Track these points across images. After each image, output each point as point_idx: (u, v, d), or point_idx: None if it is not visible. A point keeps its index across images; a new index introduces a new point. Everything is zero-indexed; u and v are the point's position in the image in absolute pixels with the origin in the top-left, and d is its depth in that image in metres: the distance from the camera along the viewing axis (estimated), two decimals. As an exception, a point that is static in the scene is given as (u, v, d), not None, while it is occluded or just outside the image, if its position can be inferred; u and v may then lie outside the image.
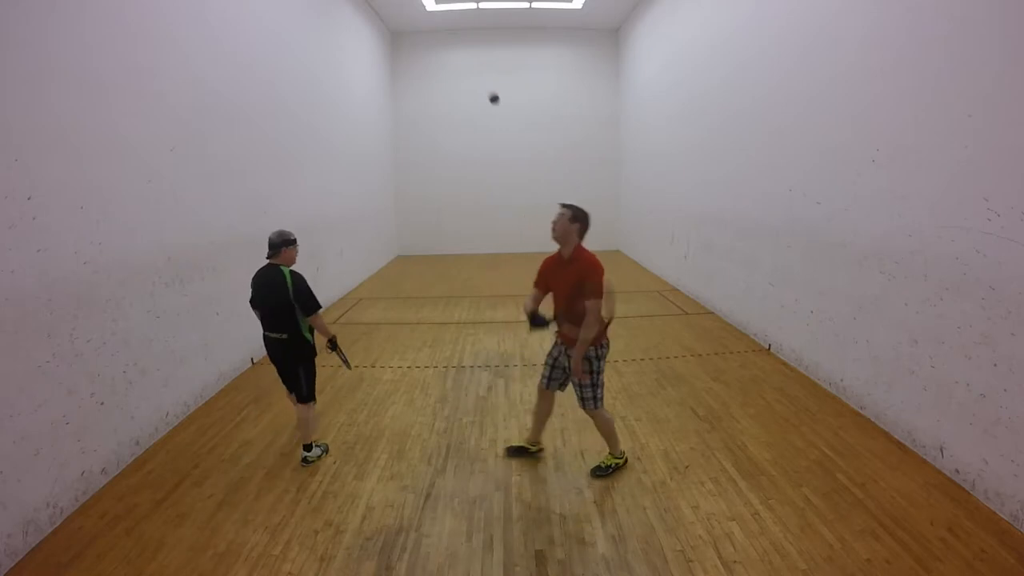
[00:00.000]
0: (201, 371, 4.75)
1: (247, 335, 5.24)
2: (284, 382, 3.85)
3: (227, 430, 4.25)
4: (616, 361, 5.49)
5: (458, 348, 6.20)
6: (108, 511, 3.23)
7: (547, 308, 3.48)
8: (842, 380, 4.58)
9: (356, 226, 10.10)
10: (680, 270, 9.12)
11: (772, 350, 5.79)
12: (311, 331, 3.71)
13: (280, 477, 3.58)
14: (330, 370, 5.22)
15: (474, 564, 2.77)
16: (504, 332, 6.80)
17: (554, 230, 3.30)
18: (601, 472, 3.52)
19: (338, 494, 3.38)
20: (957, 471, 3.36)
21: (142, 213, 4.02)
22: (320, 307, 3.67)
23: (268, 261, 3.65)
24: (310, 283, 3.66)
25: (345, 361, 3.93)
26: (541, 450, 3.81)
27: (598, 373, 3.36)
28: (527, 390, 4.95)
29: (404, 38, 13.06)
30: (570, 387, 3.54)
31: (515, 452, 3.80)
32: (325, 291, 3.74)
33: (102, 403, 3.54)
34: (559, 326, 3.46)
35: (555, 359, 3.53)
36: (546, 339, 6.41)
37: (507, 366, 5.59)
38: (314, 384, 3.76)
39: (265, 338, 3.72)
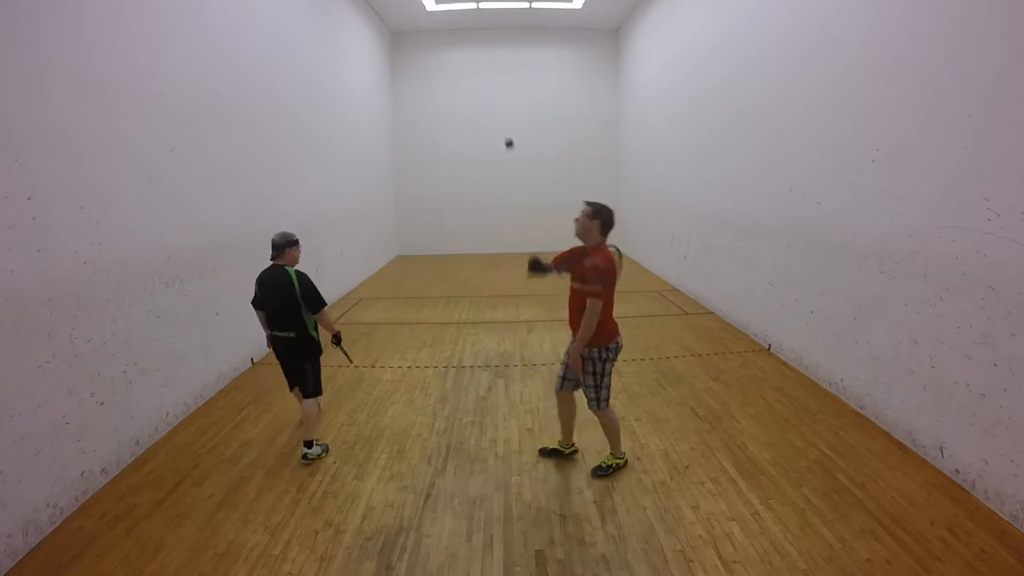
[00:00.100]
0: (201, 371, 4.75)
1: (247, 335, 5.25)
2: (289, 378, 4.00)
3: (227, 430, 4.25)
4: (616, 361, 5.48)
5: (458, 348, 6.20)
6: (108, 511, 3.23)
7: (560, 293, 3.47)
8: (842, 380, 4.58)
9: (356, 226, 10.10)
10: (680, 270, 9.12)
11: (772, 350, 5.79)
12: (316, 328, 3.85)
13: (280, 477, 3.58)
14: (330, 370, 5.21)
15: (474, 564, 2.77)
16: (504, 332, 6.80)
17: (576, 227, 3.34)
18: (601, 472, 3.52)
19: (338, 494, 3.38)
20: (957, 471, 3.36)
21: (142, 213, 4.02)
22: (326, 304, 3.83)
23: (272, 262, 3.77)
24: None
25: (348, 357, 4.11)
26: (575, 451, 3.78)
27: (602, 375, 3.35)
28: (527, 390, 4.95)
29: (404, 38, 13.06)
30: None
31: (548, 454, 3.78)
32: (325, 291, 3.77)
33: (102, 403, 3.54)
34: (571, 321, 3.44)
35: (568, 357, 3.51)
36: (546, 339, 6.45)
37: (507, 366, 5.59)
38: (320, 380, 3.89)
39: (272, 337, 3.86)
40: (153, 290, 4.12)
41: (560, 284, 3.68)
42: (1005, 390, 3.04)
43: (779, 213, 5.66)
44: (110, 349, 3.63)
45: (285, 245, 3.75)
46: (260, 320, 4.01)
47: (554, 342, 6.32)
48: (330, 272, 8.28)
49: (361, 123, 10.63)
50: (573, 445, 3.78)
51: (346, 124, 9.60)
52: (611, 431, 3.52)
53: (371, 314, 7.93)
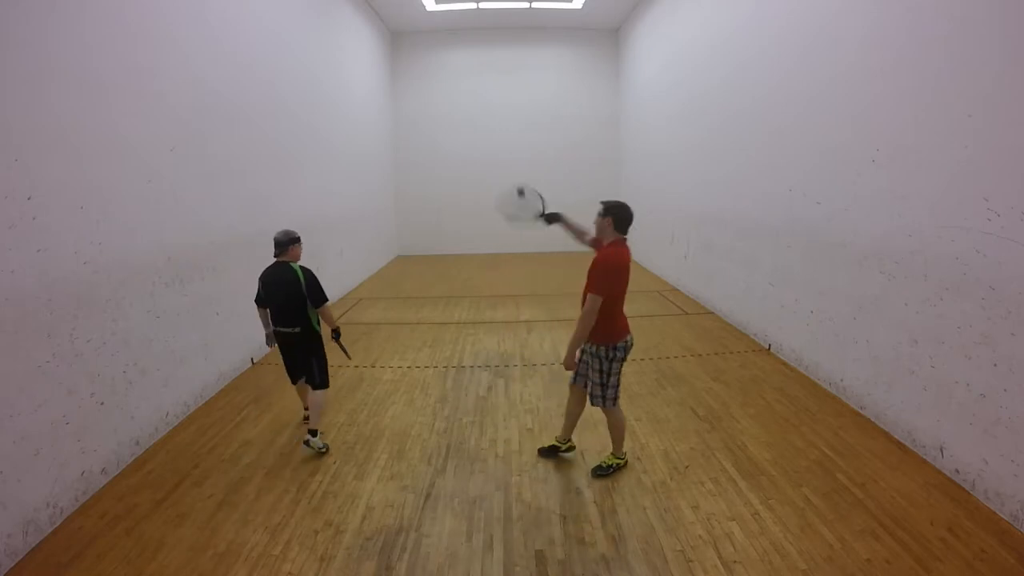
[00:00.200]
0: (201, 371, 4.75)
1: (247, 335, 5.25)
2: (294, 372, 4.10)
3: (227, 430, 4.25)
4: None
5: (458, 348, 6.20)
6: (108, 511, 3.23)
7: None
8: (842, 380, 4.58)
9: (356, 226, 10.10)
10: (680, 270, 9.12)
11: (772, 350, 5.79)
12: (319, 323, 3.95)
13: (280, 477, 3.58)
14: (330, 369, 5.19)
15: (474, 564, 2.77)
16: (504, 332, 6.80)
17: (595, 228, 3.46)
18: (601, 472, 3.52)
19: (338, 494, 3.38)
20: (957, 471, 3.36)
21: (142, 213, 4.02)
22: (328, 299, 3.93)
23: (276, 259, 3.86)
24: None
25: (345, 352, 4.18)
26: (572, 448, 3.78)
27: (608, 374, 3.35)
28: (527, 390, 4.95)
29: (404, 38, 13.06)
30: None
31: (546, 453, 3.78)
32: (326, 291, 3.85)
33: (102, 403, 3.54)
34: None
35: (582, 352, 3.52)
36: (546, 339, 6.45)
37: (507, 366, 5.59)
38: (327, 372, 4.00)
39: (276, 333, 3.94)
40: (153, 290, 4.12)
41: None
42: (1005, 390, 3.04)
43: (779, 213, 5.66)
44: (110, 349, 3.63)
45: (288, 242, 3.86)
46: (261, 318, 4.03)
47: (554, 342, 6.32)
48: (330, 272, 8.27)
49: (361, 123, 10.63)
50: (570, 441, 3.78)
51: (346, 124, 9.60)
52: (616, 430, 3.53)
53: (371, 314, 7.93)
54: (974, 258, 3.24)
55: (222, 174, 5.21)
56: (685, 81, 8.68)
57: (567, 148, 13.43)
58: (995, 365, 3.10)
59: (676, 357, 5.73)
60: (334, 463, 3.74)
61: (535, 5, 11.48)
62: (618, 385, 3.41)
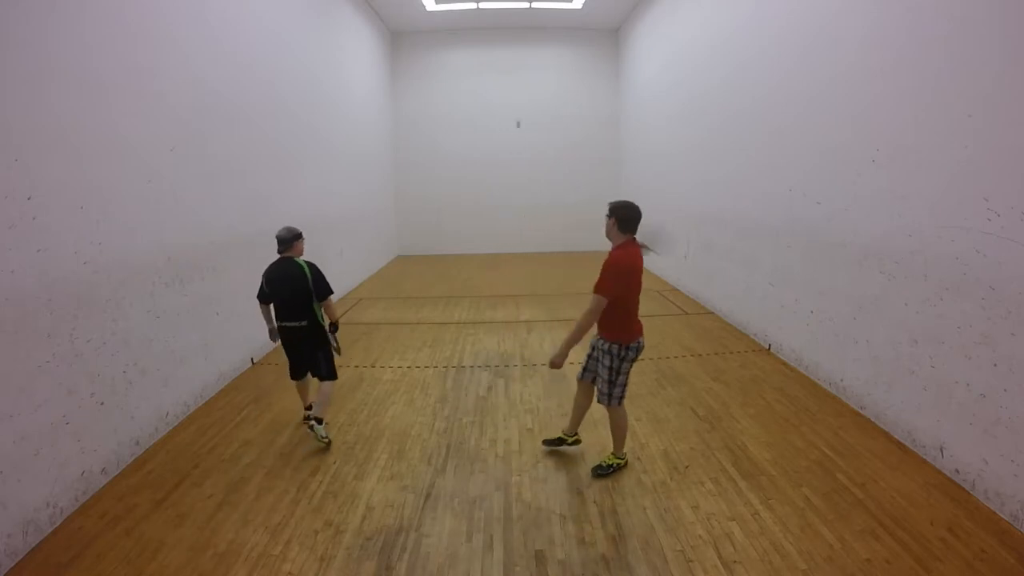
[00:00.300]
0: (201, 371, 4.75)
1: (247, 335, 5.25)
2: (299, 367, 4.13)
3: (227, 430, 4.25)
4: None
5: (458, 348, 6.20)
6: (108, 511, 3.23)
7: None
8: (842, 380, 4.58)
9: (356, 226, 10.10)
10: (680, 270, 9.11)
11: (772, 350, 5.79)
12: (322, 317, 4.00)
13: (280, 477, 3.58)
14: (330, 370, 5.22)
15: (474, 564, 2.77)
16: (504, 332, 6.79)
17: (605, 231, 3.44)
18: (601, 472, 3.52)
19: (338, 494, 3.38)
20: (957, 471, 3.36)
21: (142, 213, 4.02)
22: (332, 292, 4.02)
23: (280, 255, 3.93)
24: None
25: (337, 346, 4.19)
26: (578, 441, 3.81)
27: (617, 372, 3.37)
28: (527, 390, 4.95)
29: (404, 38, 13.06)
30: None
31: (552, 444, 3.81)
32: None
33: (102, 403, 3.54)
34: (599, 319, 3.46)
35: (592, 348, 3.53)
36: (546, 339, 6.45)
37: (507, 366, 5.59)
38: (334, 364, 4.05)
39: (281, 328, 3.98)
40: (153, 290, 4.12)
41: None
42: (1005, 390, 3.04)
43: (779, 213, 5.66)
44: (110, 349, 3.63)
45: (292, 238, 3.95)
46: (264, 314, 4.05)
47: (554, 342, 6.31)
48: (330, 272, 8.15)
49: (361, 123, 10.62)
50: (576, 435, 3.80)
51: (346, 124, 9.60)
52: (618, 429, 3.53)
53: (371, 314, 7.93)
54: (974, 258, 3.24)
55: (222, 174, 5.21)
56: (685, 81, 8.68)
57: (567, 148, 13.43)
58: (995, 365, 3.10)
59: (676, 357, 5.73)
60: (334, 463, 3.74)
61: (535, 5, 11.47)
62: (626, 384, 3.42)
